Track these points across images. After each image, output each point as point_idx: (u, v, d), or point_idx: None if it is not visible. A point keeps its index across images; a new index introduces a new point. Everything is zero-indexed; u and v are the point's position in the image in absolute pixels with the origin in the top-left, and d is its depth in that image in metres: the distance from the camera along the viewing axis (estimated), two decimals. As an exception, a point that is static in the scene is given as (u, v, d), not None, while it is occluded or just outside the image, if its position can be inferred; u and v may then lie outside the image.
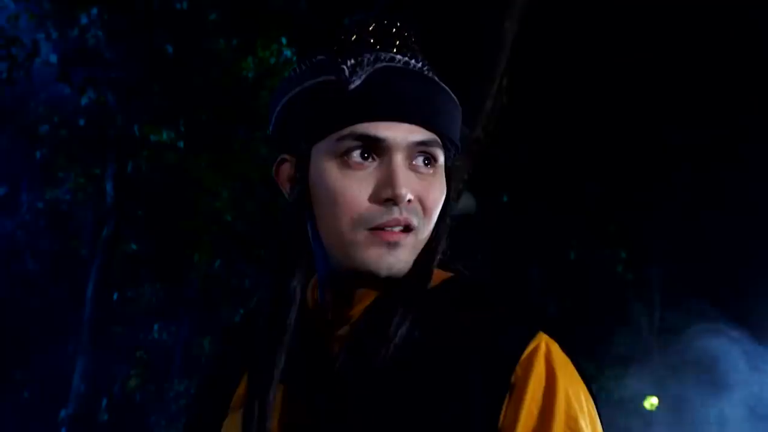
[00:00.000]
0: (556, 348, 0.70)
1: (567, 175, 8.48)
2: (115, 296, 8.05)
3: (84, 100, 6.72)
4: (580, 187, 8.67)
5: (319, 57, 0.75)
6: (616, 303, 9.20)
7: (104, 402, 7.69)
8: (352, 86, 0.70)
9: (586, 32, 6.93)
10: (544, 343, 0.69)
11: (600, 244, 8.97)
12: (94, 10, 6.26)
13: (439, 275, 0.76)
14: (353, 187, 0.70)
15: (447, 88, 0.75)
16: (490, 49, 3.63)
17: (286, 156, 0.77)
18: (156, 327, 8.91)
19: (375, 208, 0.70)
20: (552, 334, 0.70)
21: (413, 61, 0.73)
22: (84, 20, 6.39)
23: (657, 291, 9.31)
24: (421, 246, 0.73)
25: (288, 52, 6.36)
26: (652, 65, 7.56)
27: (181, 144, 6.75)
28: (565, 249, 8.97)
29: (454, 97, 0.76)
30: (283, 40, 6.36)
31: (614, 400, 8.28)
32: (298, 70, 0.76)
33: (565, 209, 8.61)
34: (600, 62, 7.28)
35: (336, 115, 0.71)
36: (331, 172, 0.71)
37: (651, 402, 8.60)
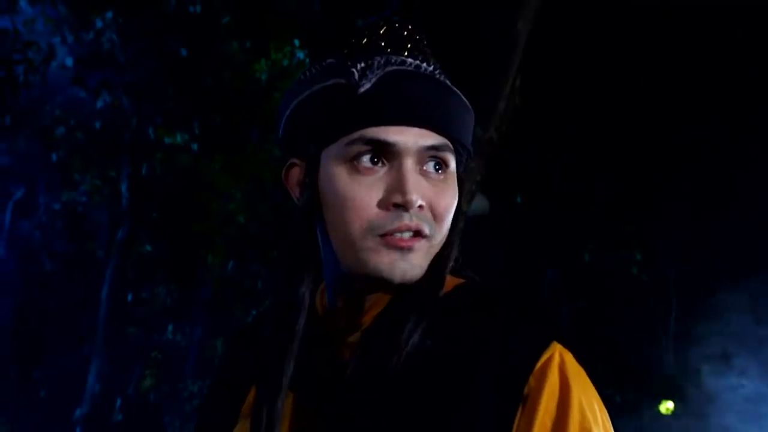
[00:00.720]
0: (569, 358, 0.69)
1: (580, 177, 8.42)
2: (129, 297, 8.12)
3: (99, 103, 6.79)
4: (593, 188, 8.60)
5: (329, 60, 0.73)
6: (632, 304, 9.10)
7: (118, 402, 7.75)
8: (362, 90, 0.68)
9: (595, 34, 6.90)
10: (558, 354, 0.68)
11: (614, 246, 8.89)
12: (109, 14, 6.32)
13: (450, 281, 0.75)
14: (363, 192, 0.69)
15: (459, 91, 0.73)
16: (503, 50, 3.59)
17: (296, 160, 0.75)
18: (170, 328, 8.97)
19: (385, 213, 0.68)
20: (565, 343, 0.69)
21: (424, 64, 0.72)
22: (99, 24, 6.46)
23: (673, 293, 9.21)
24: (434, 252, 0.72)
25: (301, 54, 6.38)
26: (663, 66, 7.50)
27: (194, 146, 6.80)
28: (579, 250, 8.89)
29: (466, 101, 0.74)
30: (296, 42, 6.38)
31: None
32: (308, 74, 0.74)
33: (579, 210, 8.55)
34: (611, 63, 7.23)
35: (345, 118, 0.69)
36: (340, 176, 0.69)
37: (667, 406, 8.50)
